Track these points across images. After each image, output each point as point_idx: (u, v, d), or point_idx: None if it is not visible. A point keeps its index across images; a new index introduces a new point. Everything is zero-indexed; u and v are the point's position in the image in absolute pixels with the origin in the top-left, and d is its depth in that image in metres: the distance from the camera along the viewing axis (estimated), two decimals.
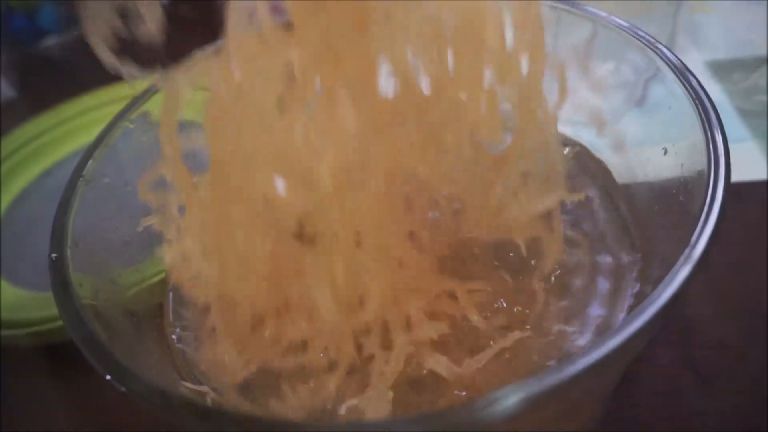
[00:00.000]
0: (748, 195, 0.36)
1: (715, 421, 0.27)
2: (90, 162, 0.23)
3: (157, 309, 0.25)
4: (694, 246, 0.17)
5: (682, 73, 0.23)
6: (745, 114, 0.42)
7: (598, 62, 0.28)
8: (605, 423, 0.27)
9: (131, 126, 0.25)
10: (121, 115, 0.25)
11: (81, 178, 0.23)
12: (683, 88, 0.23)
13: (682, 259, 0.17)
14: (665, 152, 0.25)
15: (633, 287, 0.24)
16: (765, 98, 0.42)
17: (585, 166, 0.29)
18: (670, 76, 0.24)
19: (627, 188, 0.27)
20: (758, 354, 0.29)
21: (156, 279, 0.25)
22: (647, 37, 0.25)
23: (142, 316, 0.23)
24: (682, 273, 0.17)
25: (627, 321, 0.15)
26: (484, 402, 0.14)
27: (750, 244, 0.34)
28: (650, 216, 0.25)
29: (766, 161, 0.38)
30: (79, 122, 0.46)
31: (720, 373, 0.29)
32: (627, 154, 0.28)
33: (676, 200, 0.22)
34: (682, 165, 0.23)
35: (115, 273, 0.22)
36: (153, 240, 0.23)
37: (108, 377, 0.17)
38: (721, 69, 0.45)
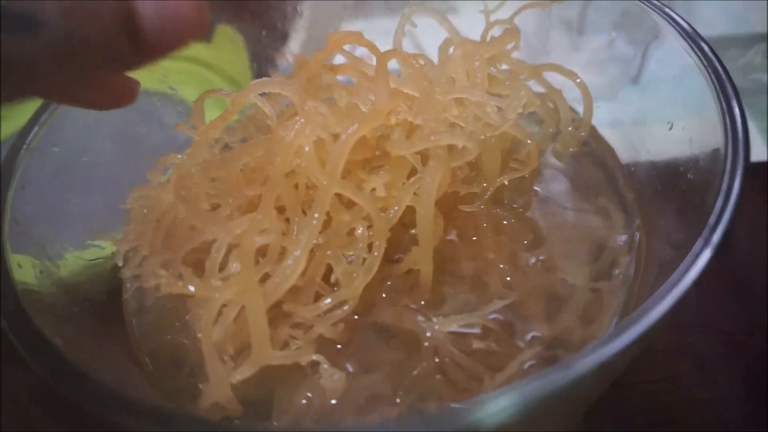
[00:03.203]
0: (747, 177, 0.35)
1: (714, 410, 0.26)
2: (36, 128, 0.21)
3: (115, 293, 0.22)
4: (714, 228, 0.15)
5: (693, 39, 0.21)
6: (742, 93, 0.40)
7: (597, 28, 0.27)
8: (602, 411, 0.25)
9: None
10: None
11: (24, 147, 0.20)
12: (695, 55, 0.21)
13: (700, 241, 0.15)
14: (671, 127, 0.23)
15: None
16: (763, 77, 0.41)
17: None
18: (678, 42, 0.22)
19: (627, 167, 0.26)
20: (758, 341, 0.28)
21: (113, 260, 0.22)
22: None
23: (96, 302, 0.20)
24: (702, 257, 0.15)
25: (647, 307, 0.14)
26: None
27: (749, 227, 0.32)
28: (652, 194, 0.23)
29: (765, 142, 0.37)
30: None
31: (718, 360, 0.28)
32: (626, 130, 0.26)
33: (684, 178, 0.21)
34: (691, 140, 0.21)
35: (63, 253, 0.20)
36: (110, 215, 0.21)
37: (50, 380, 0.15)
38: (716, 46, 0.44)
